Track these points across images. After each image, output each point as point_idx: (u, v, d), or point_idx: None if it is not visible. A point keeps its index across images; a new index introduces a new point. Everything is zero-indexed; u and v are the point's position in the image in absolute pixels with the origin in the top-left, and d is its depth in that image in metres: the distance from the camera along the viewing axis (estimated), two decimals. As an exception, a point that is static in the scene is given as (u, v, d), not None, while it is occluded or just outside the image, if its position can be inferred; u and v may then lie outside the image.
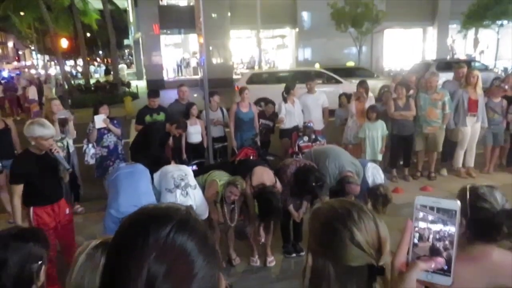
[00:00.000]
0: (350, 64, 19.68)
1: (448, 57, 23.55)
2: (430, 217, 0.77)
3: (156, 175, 4.01)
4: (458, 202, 0.76)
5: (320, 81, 13.08)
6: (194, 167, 4.99)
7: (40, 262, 1.52)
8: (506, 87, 6.70)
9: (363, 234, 0.98)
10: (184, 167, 4.27)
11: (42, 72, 30.51)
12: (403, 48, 26.76)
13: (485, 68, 16.53)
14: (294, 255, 4.39)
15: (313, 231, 1.07)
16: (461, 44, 26.90)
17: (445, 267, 0.75)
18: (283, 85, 7.15)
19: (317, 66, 17.98)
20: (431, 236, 0.77)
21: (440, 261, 0.75)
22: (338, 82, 13.30)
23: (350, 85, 11.73)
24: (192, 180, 3.95)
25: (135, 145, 5.53)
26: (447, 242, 0.76)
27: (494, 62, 22.12)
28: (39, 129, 3.40)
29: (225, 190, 3.96)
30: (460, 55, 25.95)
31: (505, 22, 21.33)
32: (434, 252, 0.76)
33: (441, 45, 26.82)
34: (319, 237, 1.04)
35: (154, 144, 5.29)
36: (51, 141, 3.52)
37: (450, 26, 26.24)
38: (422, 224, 0.78)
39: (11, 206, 3.54)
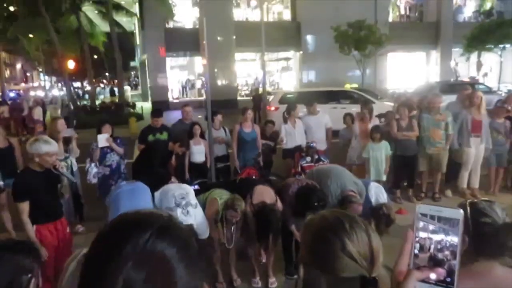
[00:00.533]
0: (354, 85, 19.79)
1: (452, 80, 23.64)
2: (431, 227, 0.74)
3: (157, 194, 4.00)
4: (461, 211, 0.73)
5: (347, 101, 13.12)
6: (196, 187, 4.96)
7: (29, 275, 1.48)
8: (510, 107, 6.69)
9: (354, 244, 0.96)
10: (185, 185, 4.26)
11: (44, 93, 30.92)
12: (407, 71, 26.96)
13: (489, 91, 16.57)
14: (296, 276, 4.30)
15: (305, 242, 1.05)
16: (464, 67, 27.07)
17: (448, 279, 0.72)
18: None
19: (347, 87, 18.12)
20: (432, 246, 0.74)
21: (441, 272, 0.72)
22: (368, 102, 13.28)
23: (382, 105, 11.22)
24: (193, 199, 3.93)
25: (137, 164, 5.53)
26: (448, 253, 0.73)
27: (498, 84, 22.19)
28: (45, 145, 3.43)
29: (225, 213, 3.92)
30: (464, 77, 26.07)
31: (507, 45, 21.50)
32: (435, 262, 0.73)
33: (444, 68, 27.04)
34: (311, 247, 1.02)
35: (156, 162, 5.29)
36: (54, 158, 3.54)
37: (453, 49, 26.51)
38: (423, 234, 0.75)
39: (23, 224, 3.50)
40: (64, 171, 3.64)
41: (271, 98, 15.12)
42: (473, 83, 17.85)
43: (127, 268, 0.62)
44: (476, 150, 6.41)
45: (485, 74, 26.75)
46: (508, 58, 23.96)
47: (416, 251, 0.75)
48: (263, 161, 6.55)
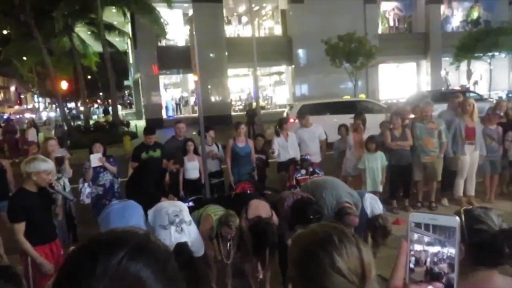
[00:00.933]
0: (347, 97, 19.93)
1: (443, 88, 23.90)
2: (427, 239, 0.70)
3: (151, 212, 3.94)
4: (457, 218, 0.70)
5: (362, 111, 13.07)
6: (191, 203, 4.91)
7: None
8: (502, 113, 6.74)
9: (344, 260, 0.91)
10: (179, 203, 4.21)
11: (37, 114, 30.89)
12: (398, 81, 27.24)
13: (480, 98, 16.72)
14: (294, 291, 4.23)
15: (293, 257, 1.01)
16: (454, 75, 27.40)
17: None
18: (332, 116, 7.22)
19: (362, 96, 18.20)
20: (428, 260, 0.70)
21: (439, 286, 0.69)
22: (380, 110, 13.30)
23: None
24: (187, 216, 3.87)
25: (130, 182, 5.48)
26: (445, 265, 0.69)
27: (488, 92, 22.43)
28: (43, 163, 3.42)
29: (220, 229, 3.88)
30: (455, 86, 26.37)
31: (496, 53, 21.81)
32: (432, 277, 0.70)
33: (435, 77, 27.38)
34: (299, 264, 0.98)
35: (149, 180, 5.24)
36: (51, 176, 3.50)
37: (442, 59, 26.88)
38: (418, 247, 0.71)
39: (21, 245, 3.42)
40: (60, 190, 3.60)
41: (261, 111, 15.10)
42: (464, 91, 18.03)
43: None
44: (470, 158, 6.42)
45: (476, 82, 27.08)
46: (498, 66, 24.33)
47: (412, 265, 0.72)
48: (257, 175, 6.52)
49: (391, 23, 29.22)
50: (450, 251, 0.69)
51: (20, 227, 3.36)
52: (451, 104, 7.13)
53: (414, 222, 0.72)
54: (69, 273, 0.62)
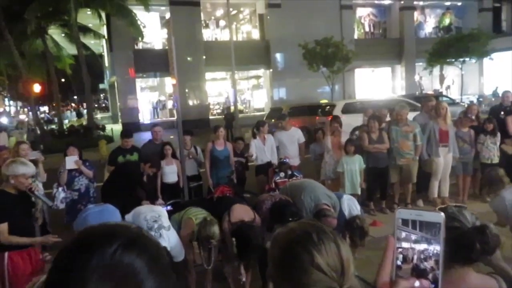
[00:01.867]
0: (324, 101, 20.17)
1: (417, 93, 24.48)
2: (414, 237, 0.72)
3: (129, 217, 3.87)
4: (442, 214, 0.71)
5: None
6: (169, 207, 4.85)
7: None
8: (473, 117, 6.94)
9: (323, 256, 0.92)
10: (157, 207, 4.15)
11: (8, 118, 29.96)
12: (374, 85, 27.73)
13: (452, 102, 17.20)
14: (274, 294, 4.23)
15: (272, 256, 1.01)
16: (428, 80, 28.16)
17: (432, 286, 0.70)
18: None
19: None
20: (415, 257, 0.72)
21: (425, 283, 0.70)
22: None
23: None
24: (166, 221, 3.82)
25: (107, 186, 5.38)
26: (432, 262, 0.71)
27: (460, 96, 23.12)
28: (22, 167, 3.35)
29: (201, 235, 3.83)
30: (428, 90, 27.05)
31: (467, 59, 22.51)
32: (418, 274, 0.71)
33: (409, 82, 28.05)
34: (278, 262, 0.98)
35: (125, 184, 5.15)
36: (30, 180, 3.43)
37: (416, 63, 27.58)
38: (405, 244, 0.72)
39: (10, 241, 3.31)
40: (40, 194, 3.53)
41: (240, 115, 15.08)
42: (437, 95, 18.50)
43: (92, 282, 0.59)
44: (444, 160, 6.58)
45: (448, 87, 27.87)
46: (468, 71, 25.11)
47: (399, 263, 0.73)
48: (236, 178, 6.50)
49: (367, 29, 29.81)
50: (436, 248, 0.71)
51: (3, 227, 3.27)
52: (424, 107, 7.30)
53: (401, 219, 0.73)
54: (64, 265, 0.62)
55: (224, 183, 5.99)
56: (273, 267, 1.00)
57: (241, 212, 3.98)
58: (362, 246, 3.92)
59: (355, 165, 6.26)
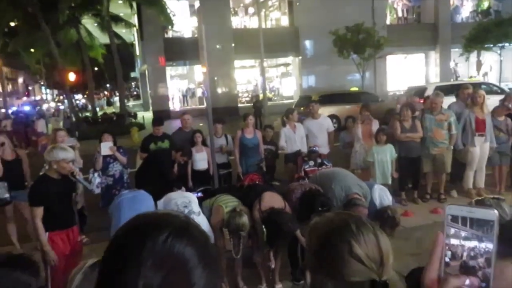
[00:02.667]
0: (354, 89, 19.82)
1: (452, 80, 23.65)
2: (464, 233, 0.69)
3: (160, 203, 3.97)
4: (496, 212, 0.68)
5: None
6: (200, 194, 4.93)
7: None
8: (510, 105, 6.66)
9: (362, 247, 0.91)
10: (188, 194, 4.23)
11: (47, 106, 31.13)
12: (406, 72, 26.99)
13: (490, 90, 16.50)
14: (302, 282, 4.25)
15: (310, 246, 1.01)
16: (464, 66, 27.09)
17: (483, 285, 0.68)
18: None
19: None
20: (464, 254, 0.69)
21: (474, 280, 0.68)
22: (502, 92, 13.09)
23: None
24: (196, 207, 3.89)
25: (140, 173, 5.52)
26: (482, 260, 0.68)
27: (498, 83, 22.15)
28: (62, 152, 3.53)
29: (230, 223, 3.86)
30: (464, 77, 26.08)
31: (506, 44, 21.51)
32: (466, 271, 0.69)
33: (443, 69, 27.09)
34: (317, 252, 0.98)
35: (158, 171, 5.26)
36: (71, 165, 3.60)
37: (452, 49, 26.55)
38: (454, 241, 0.70)
39: (35, 229, 3.53)
40: (81, 179, 3.72)
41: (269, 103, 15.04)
42: (481, 83, 17.62)
43: (146, 268, 0.60)
44: (480, 149, 6.37)
45: (485, 74, 26.75)
46: (508, 57, 23.97)
47: (448, 259, 0.71)
48: (266, 166, 6.52)
49: (400, 14, 28.88)
50: (487, 245, 0.68)
51: (37, 211, 3.46)
52: (461, 95, 7.06)
53: (450, 215, 0.71)
54: (118, 250, 0.65)
55: (253, 171, 6.03)
56: (311, 256, 1.00)
57: (272, 200, 3.99)
58: (393, 237, 3.86)
59: (386, 155, 6.14)
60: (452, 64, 27.65)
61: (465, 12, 29.75)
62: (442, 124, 6.27)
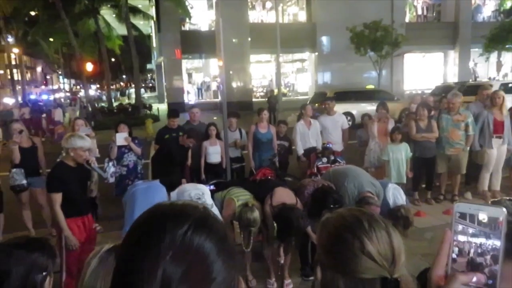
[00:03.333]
0: (370, 87, 19.62)
1: (471, 80, 23.23)
2: (471, 230, 0.69)
3: (173, 194, 4.01)
4: (504, 209, 0.68)
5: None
6: (212, 187, 4.97)
7: (44, 273, 1.48)
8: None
9: (374, 244, 0.91)
10: (201, 186, 4.26)
11: (63, 95, 31.61)
12: (424, 71, 26.59)
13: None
14: (312, 278, 4.26)
15: (321, 241, 1.00)
16: (483, 67, 26.57)
17: (490, 282, 0.68)
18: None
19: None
20: (472, 251, 0.69)
21: (481, 277, 0.68)
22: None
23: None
24: (209, 199, 3.92)
25: (154, 162, 5.57)
26: (489, 257, 0.68)
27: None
28: (79, 140, 3.58)
29: (241, 218, 3.88)
30: (483, 78, 25.58)
31: (528, 45, 21.01)
32: (473, 267, 0.69)
33: (462, 68, 26.60)
34: (328, 248, 0.97)
35: (171, 162, 5.28)
36: (87, 153, 3.67)
37: (471, 49, 26.05)
38: (461, 238, 0.70)
39: (54, 215, 3.60)
40: (96, 167, 3.78)
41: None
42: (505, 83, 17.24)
43: (165, 261, 0.59)
44: (497, 151, 6.26)
45: (505, 75, 26.19)
46: (529, 58, 23.43)
47: (455, 256, 0.71)
48: (279, 162, 6.52)
49: (419, 12, 28.44)
50: (495, 243, 0.68)
51: (56, 197, 3.53)
52: (479, 96, 6.93)
53: (459, 212, 0.71)
54: (137, 241, 0.63)
55: (266, 166, 6.03)
56: (322, 253, 0.99)
57: (283, 196, 3.99)
58: (405, 237, 3.83)
59: (401, 154, 6.08)
60: (471, 64, 27.14)
61: (487, 11, 29.13)
62: (459, 124, 6.18)
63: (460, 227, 0.70)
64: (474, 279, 0.68)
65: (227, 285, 0.63)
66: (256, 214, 3.79)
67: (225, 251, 0.64)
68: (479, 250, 0.69)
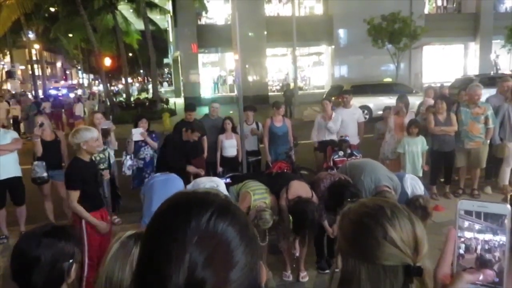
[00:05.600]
0: (388, 80, 19.35)
1: (492, 73, 22.66)
2: (477, 226, 0.69)
3: (189, 186, 4.07)
4: (508, 206, 0.68)
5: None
6: (228, 180, 5.00)
7: (71, 261, 1.54)
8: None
9: (397, 231, 0.90)
10: (216, 179, 4.31)
11: (82, 90, 32.15)
12: (444, 64, 26.05)
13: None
14: (328, 271, 4.27)
15: (343, 230, 1.00)
16: (505, 59, 25.88)
17: (496, 280, 0.68)
18: None
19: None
20: (479, 247, 0.69)
21: (490, 273, 0.68)
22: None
23: None
24: (224, 192, 3.95)
25: (159, 157, 5.61)
26: (497, 253, 0.68)
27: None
28: (88, 132, 3.61)
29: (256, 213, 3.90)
30: (505, 70, 24.92)
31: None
32: (482, 264, 0.69)
33: (483, 61, 25.94)
34: (350, 236, 0.97)
35: (173, 155, 5.26)
36: (98, 143, 3.72)
37: (493, 41, 25.38)
38: (468, 234, 0.70)
39: (77, 212, 3.62)
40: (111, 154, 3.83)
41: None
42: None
43: (192, 245, 0.60)
44: (518, 145, 6.12)
45: (528, 67, 25.49)
46: (554, 50, 22.68)
47: (462, 252, 0.71)
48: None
49: (439, 3, 27.80)
50: (502, 238, 0.68)
51: (76, 194, 3.57)
52: (500, 88, 6.77)
53: (463, 210, 0.71)
54: (164, 225, 0.65)
55: (282, 159, 6.04)
56: (343, 241, 0.99)
57: (299, 189, 4.00)
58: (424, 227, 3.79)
59: (417, 147, 6.00)
60: (493, 56, 26.46)
61: (509, 1, 28.28)
62: (479, 117, 6.06)
63: (466, 224, 0.70)
64: (481, 277, 0.68)
65: (249, 270, 0.64)
66: (269, 222, 3.79)
67: (247, 236, 0.66)
68: (487, 246, 0.69)
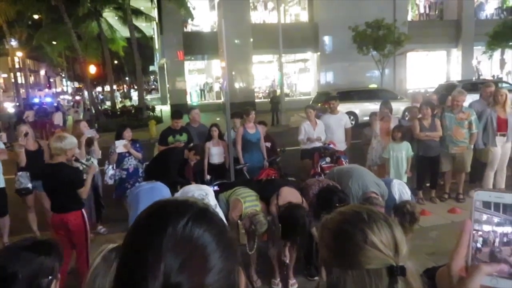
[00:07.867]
0: (373, 86, 19.58)
1: (474, 78, 23.12)
2: (495, 219, 0.68)
3: (177, 194, 4.02)
4: None
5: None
6: (216, 187, 4.97)
7: (50, 277, 1.48)
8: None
9: (376, 234, 0.91)
10: (205, 186, 4.27)
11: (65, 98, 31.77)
12: (427, 70, 26.49)
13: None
14: (316, 278, 4.25)
15: (323, 240, 1.00)
16: (486, 65, 26.46)
17: None
18: None
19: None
20: (497, 240, 0.68)
21: (505, 267, 0.67)
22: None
23: None
24: (212, 200, 3.93)
25: (151, 167, 5.56)
26: None
27: (523, 82, 21.56)
28: (72, 139, 3.76)
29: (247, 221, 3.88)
30: (486, 76, 25.46)
31: (532, 42, 20.88)
32: (500, 257, 0.68)
33: (466, 67, 26.47)
34: (331, 244, 0.97)
35: (172, 169, 5.27)
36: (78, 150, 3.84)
37: (475, 47, 25.93)
38: (486, 227, 0.69)
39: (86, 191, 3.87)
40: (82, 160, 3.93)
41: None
42: (497, 81, 17.39)
43: (168, 250, 0.61)
44: (502, 149, 6.23)
45: (509, 72, 26.09)
46: (533, 56, 23.31)
47: (479, 245, 0.70)
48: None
49: (422, 10, 28.34)
50: None
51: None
52: (483, 94, 6.91)
53: (479, 201, 0.70)
54: (140, 233, 0.66)
55: (258, 168, 6.03)
56: (325, 250, 0.99)
57: (289, 195, 3.99)
58: (411, 232, 3.81)
59: (401, 152, 6.07)
60: (474, 62, 27.02)
61: (490, 9, 29.00)
62: (463, 123, 6.16)
63: (484, 217, 0.69)
64: (499, 268, 0.67)
65: (225, 274, 0.65)
66: (265, 224, 3.81)
67: (224, 242, 0.67)
68: (505, 239, 0.68)
